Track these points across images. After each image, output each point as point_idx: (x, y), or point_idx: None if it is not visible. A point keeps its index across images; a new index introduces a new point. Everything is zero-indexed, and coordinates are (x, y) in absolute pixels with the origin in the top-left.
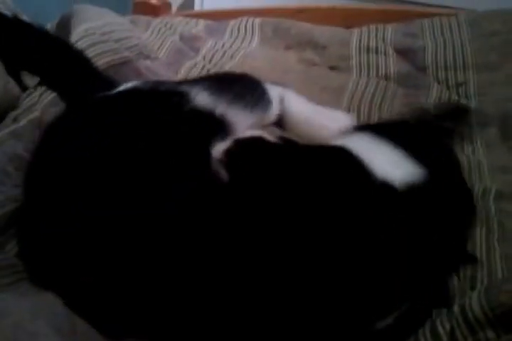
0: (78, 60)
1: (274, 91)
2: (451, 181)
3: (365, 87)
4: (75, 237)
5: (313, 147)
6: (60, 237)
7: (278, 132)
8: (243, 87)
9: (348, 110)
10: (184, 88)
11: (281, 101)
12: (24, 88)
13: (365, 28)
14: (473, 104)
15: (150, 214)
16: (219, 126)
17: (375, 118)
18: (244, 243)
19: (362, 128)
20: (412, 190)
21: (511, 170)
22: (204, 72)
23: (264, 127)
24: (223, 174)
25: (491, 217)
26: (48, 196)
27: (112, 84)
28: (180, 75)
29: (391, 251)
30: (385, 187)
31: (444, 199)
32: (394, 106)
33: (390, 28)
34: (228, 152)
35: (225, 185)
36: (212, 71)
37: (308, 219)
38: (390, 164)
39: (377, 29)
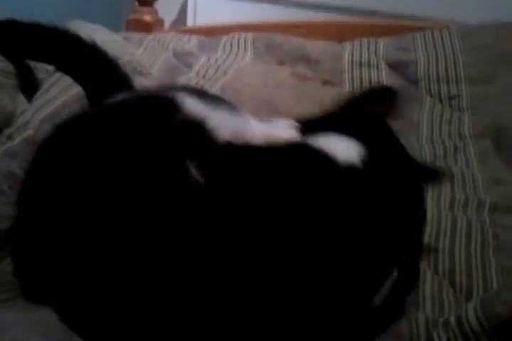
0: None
1: None
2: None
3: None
4: (71, 249)
5: (281, 146)
6: (56, 250)
7: None
8: (221, 99)
9: None
10: (172, 94)
11: None
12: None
13: (357, 42)
14: (466, 116)
15: (138, 226)
16: (205, 133)
17: None
18: (228, 240)
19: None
20: (368, 169)
21: (505, 182)
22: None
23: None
24: (200, 179)
25: (486, 229)
26: (44, 207)
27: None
28: None
29: (374, 225)
30: (351, 170)
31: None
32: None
33: (382, 42)
34: (205, 159)
35: (202, 188)
36: (206, 86)
37: (291, 208)
38: (345, 149)
39: (369, 43)
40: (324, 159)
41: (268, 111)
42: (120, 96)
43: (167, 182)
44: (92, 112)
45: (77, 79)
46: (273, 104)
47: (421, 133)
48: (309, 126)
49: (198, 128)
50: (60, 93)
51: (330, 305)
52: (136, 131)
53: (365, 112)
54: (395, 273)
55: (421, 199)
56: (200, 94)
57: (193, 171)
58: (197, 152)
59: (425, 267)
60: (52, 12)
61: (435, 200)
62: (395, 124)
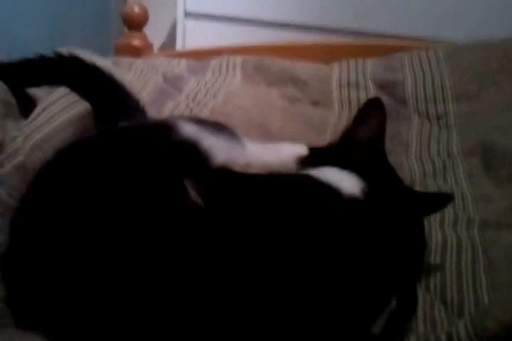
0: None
1: None
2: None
3: (347, 122)
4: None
5: (282, 175)
6: (48, 278)
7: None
8: (220, 125)
9: None
10: (170, 120)
11: None
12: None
13: (345, 63)
14: (454, 134)
15: (138, 248)
16: (201, 157)
17: None
18: (223, 265)
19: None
20: (370, 200)
21: (495, 199)
22: (187, 111)
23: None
24: (200, 202)
25: (476, 246)
26: (37, 235)
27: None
28: (164, 115)
29: (375, 255)
30: (352, 201)
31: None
32: None
33: (369, 63)
34: (204, 182)
35: (201, 211)
36: (196, 110)
37: (292, 238)
38: (346, 181)
39: (357, 64)
40: (326, 190)
41: (259, 133)
42: (120, 124)
43: (166, 204)
44: (90, 139)
45: (90, 101)
46: (264, 126)
47: (410, 151)
48: (313, 156)
49: (192, 150)
50: (50, 119)
51: (329, 333)
52: (133, 155)
53: (360, 139)
54: (394, 302)
55: (421, 229)
56: (198, 120)
57: (192, 193)
58: (193, 174)
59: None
60: (41, 37)
61: (425, 218)
62: (387, 143)
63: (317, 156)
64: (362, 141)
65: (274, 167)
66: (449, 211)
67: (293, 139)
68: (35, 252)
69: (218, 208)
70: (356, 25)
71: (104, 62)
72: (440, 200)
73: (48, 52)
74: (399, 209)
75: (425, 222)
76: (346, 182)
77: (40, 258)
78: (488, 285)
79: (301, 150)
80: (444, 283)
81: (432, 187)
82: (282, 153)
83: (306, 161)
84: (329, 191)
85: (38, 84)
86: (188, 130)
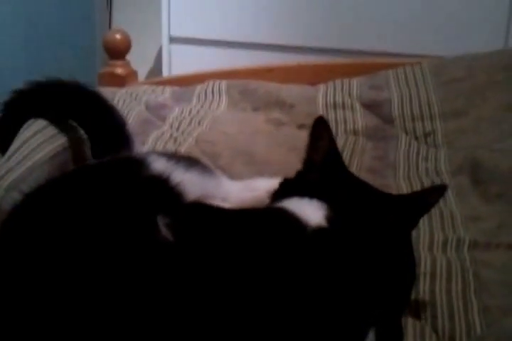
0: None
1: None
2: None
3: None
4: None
5: (250, 209)
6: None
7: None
8: (193, 160)
9: None
10: (142, 155)
11: None
12: None
13: (330, 84)
14: (442, 152)
15: (109, 284)
16: (172, 193)
17: None
18: (189, 299)
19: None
20: (338, 229)
21: (484, 217)
22: (171, 141)
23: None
24: (170, 237)
25: (466, 268)
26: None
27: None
28: (148, 145)
29: (343, 286)
30: (319, 232)
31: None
32: (364, 160)
33: (355, 82)
34: (175, 217)
35: (170, 246)
36: (180, 139)
37: (258, 272)
38: (313, 211)
39: (342, 84)
40: (290, 223)
41: (244, 160)
42: (94, 161)
43: (136, 240)
44: (61, 178)
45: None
46: (249, 152)
47: (398, 171)
48: (283, 187)
49: (162, 186)
50: (25, 158)
51: None
52: (104, 191)
53: (316, 163)
54: (371, 335)
55: (408, 250)
56: (171, 155)
57: (162, 229)
58: (164, 209)
59: (407, 312)
60: (22, 67)
61: (414, 241)
62: (374, 164)
63: (286, 187)
64: (318, 164)
65: (248, 202)
66: (438, 232)
67: (278, 164)
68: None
69: (187, 243)
70: (341, 44)
71: None
72: (432, 194)
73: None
74: (371, 228)
75: (414, 246)
76: (310, 211)
77: (8, 303)
78: (480, 309)
79: (275, 183)
80: (435, 310)
81: None
82: (256, 188)
83: (277, 194)
84: (293, 224)
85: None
86: (159, 165)
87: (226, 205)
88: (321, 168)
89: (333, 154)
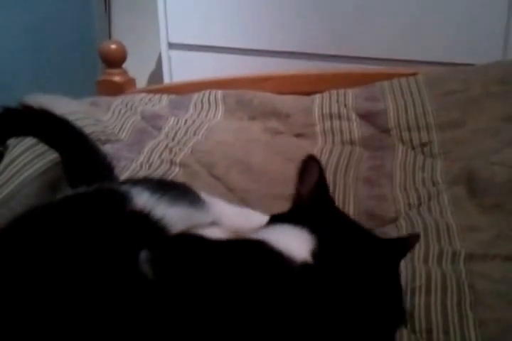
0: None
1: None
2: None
3: (330, 154)
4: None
5: (235, 241)
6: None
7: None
8: (181, 189)
9: None
10: (126, 188)
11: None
12: None
13: (326, 94)
14: (439, 162)
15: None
16: (154, 228)
17: (341, 184)
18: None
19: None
20: (323, 264)
21: (480, 228)
22: (167, 151)
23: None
24: (150, 273)
25: (462, 281)
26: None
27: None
28: (143, 155)
29: (329, 324)
30: (303, 267)
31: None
32: (360, 170)
33: (350, 93)
34: (155, 253)
35: (151, 282)
36: (176, 149)
37: (232, 307)
38: (299, 245)
39: (338, 95)
40: (276, 258)
41: (240, 169)
42: (79, 189)
43: (116, 275)
44: (45, 207)
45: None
46: (245, 161)
47: (394, 182)
48: (277, 220)
49: (145, 221)
50: (15, 175)
51: None
52: (85, 226)
53: (303, 196)
54: None
55: (389, 281)
56: (157, 185)
57: (143, 265)
58: (145, 244)
59: (402, 327)
60: (22, 76)
61: (409, 255)
62: (370, 174)
63: (276, 221)
64: (304, 198)
65: (240, 228)
66: (433, 244)
67: (274, 173)
68: None
69: (167, 280)
70: (339, 50)
71: (76, 108)
72: (406, 243)
73: (26, 96)
74: (356, 265)
75: (409, 259)
76: (296, 246)
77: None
78: (475, 323)
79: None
80: (430, 324)
81: (415, 220)
82: (251, 220)
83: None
84: (278, 259)
85: (7, 137)
86: (142, 200)
87: (215, 231)
88: (308, 203)
89: (321, 189)
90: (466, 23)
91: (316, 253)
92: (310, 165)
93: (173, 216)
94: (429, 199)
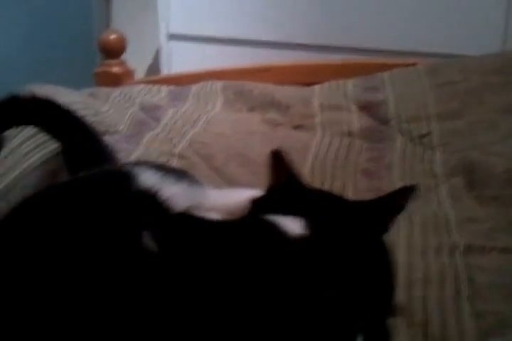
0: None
1: None
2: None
3: (329, 145)
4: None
5: (233, 220)
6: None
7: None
8: (181, 172)
9: (313, 170)
10: (129, 168)
11: None
12: None
13: (326, 85)
14: (437, 154)
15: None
16: (159, 206)
17: (339, 176)
18: (179, 310)
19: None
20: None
21: (478, 220)
22: (166, 142)
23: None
24: (153, 247)
25: (459, 273)
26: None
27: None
28: (142, 147)
29: (328, 293)
30: (300, 240)
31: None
32: (359, 162)
33: (350, 83)
34: (159, 227)
35: (154, 255)
36: (174, 140)
37: (242, 280)
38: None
39: (338, 85)
40: (273, 231)
41: (239, 161)
42: (82, 173)
43: (121, 250)
44: (51, 190)
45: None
46: (244, 154)
47: (393, 174)
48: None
49: (152, 200)
50: (15, 166)
51: None
52: (92, 205)
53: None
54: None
55: (381, 251)
56: (160, 167)
57: (147, 240)
58: (151, 222)
59: (399, 320)
60: (20, 66)
61: (407, 247)
62: (369, 166)
63: (258, 205)
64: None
65: (233, 210)
66: (431, 237)
67: None
68: None
69: (171, 253)
70: (338, 41)
71: (76, 98)
72: (401, 196)
73: (26, 86)
74: (346, 235)
75: (407, 252)
76: (289, 222)
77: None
78: (472, 315)
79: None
80: (427, 316)
81: (413, 213)
82: (240, 197)
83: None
84: (276, 233)
85: (9, 125)
86: (149, 179)
87: (212, 215)
88: (284, 187)
89: (293, 177)
90: (465, 14)
91: (308, 226)
92: (277, 160)
93: (176, 193)
94: (428, 191)
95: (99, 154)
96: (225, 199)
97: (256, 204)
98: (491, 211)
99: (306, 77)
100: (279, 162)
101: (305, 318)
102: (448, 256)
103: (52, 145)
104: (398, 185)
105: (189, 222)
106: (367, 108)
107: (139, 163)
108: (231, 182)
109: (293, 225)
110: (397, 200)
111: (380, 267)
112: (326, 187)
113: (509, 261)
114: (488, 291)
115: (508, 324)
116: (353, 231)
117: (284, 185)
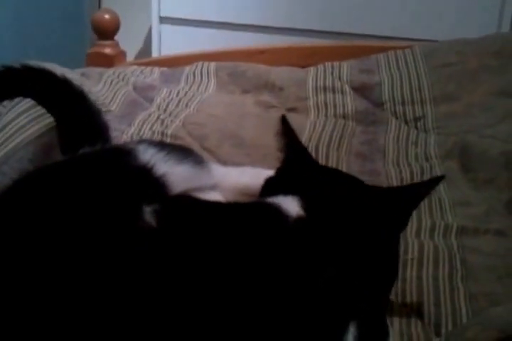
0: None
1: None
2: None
3: (323, 128)
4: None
5: (232, 203)
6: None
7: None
8: (185, 149)
9: None
10: (131, 146)
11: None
12: None
13: (321, 67)
14: (432, 137)
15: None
16: (158, 184)
17: (333, 159)
18: (178, 286)
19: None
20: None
21: (473, 203)
22: (159, 123)
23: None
24: (154, 223)
25: (453, 254)
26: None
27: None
28: (134, 127)
29: (319, 279)
30: (298, 222)
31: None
32: (353, 145)
33: (345, 65)
34: (160, 205)
35: (154, 231)
36: (167, 121)
37: (240, 260)
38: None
39: (332, 67)
40: (273, 213)
41: (232, 142)
42: (82, 151)
43: (120, 225)
44: (49, 167)
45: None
46: (238, 135)
47: (387, 156)
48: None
49: (147, 176)
50: (9, 139)
51: None
52: (92, 180)
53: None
54: (353, 329)
55: (392, 245)
56: (163, 145)
57: (147, 216)
58: (147, 198)
59: (393, 299)
60: (9, 47)
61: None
62: (363, 149)
63: (269, 184)
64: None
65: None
66: (425, 218)
67: (266, 147)
68: None
69: (171, 229)
70: (334, 27)
71: (72, 75)
72: (419, 190)
73: (17, 63)
74: (352, 220)
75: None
76: (289, 203)
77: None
78: (466, 296)
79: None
80: (421, 296)
81: None
82: (258, 177)
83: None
84: (274, 215)
85: (5, 97)
86: (147, 155)
87: (216, 194)
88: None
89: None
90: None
91: (308, 208)
92: (286, 127)
93: (177, 174)
94: (422, 174)
95: (92, 132)
96: (235, 179)
97: (268, 183)
98: (484, 194)
99: (302, 59)
100: (288, 131)
101: (299, 300)
102: (442, 237)
103: (48, 120)
104: (392, 168)
105: (188, 202)
106: (361, 90)
107: (142, 141)
108: (224, 164)
109: (295, 207)
110: (419, 190)
111: (386, 259)
112: None
113: (502, 244)
114: (481, 273)
115: (499, 305)
116: (358, 218)
117: (298, 162)
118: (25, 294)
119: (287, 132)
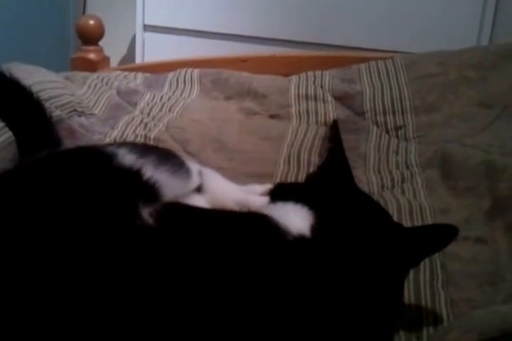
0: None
1: (191, 164)
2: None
3: (305, 135)
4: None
5: (231, 212)
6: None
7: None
8: (165, 154)
9: (288, 158)
10: (112, 149)
11: (200, 174)
12: None
13: (303, 75)
14: (413, 146)
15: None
16: (147, 187)
17: (315, 165)
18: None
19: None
20: (320, 239)
21: (453, 211)
22: (142, 126)
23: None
24: (151, 222)
25: (434, 260)
26: None
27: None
28: (118, 130)
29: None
30: (298, 241)
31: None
32: None
33: (327, 74)
34: (157, 212)
35: (152, 229)
36: (151, 125)
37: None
38: (297, 218)
39: (315, 76)
40: (271, 230)
41: (215, 147)
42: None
43: (118, 224)
44: (28, 164)
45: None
46: (220, 140)
47: (368, 164)
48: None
49: (135, 176)
50: None
51: None
52: (76, 182)
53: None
54: None
55: (395, 275)
56: (143, 150)
57: (145, 215)
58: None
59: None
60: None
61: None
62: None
63: (281, 191)
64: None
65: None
66: (407, 225)
67: (249, 152)
68: None
69: (169, 229)
70: (316, 38)
71: (54, 78)
72: (441, 233)
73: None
74: (358, 246)
75: None
76: (294, 219)
77: None
78: (447, 302)
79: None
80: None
81: (389, 200)
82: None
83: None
84: (272, 231)
85: None
86: (129, 159)
87: (199, 197)
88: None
89: (340, 160)
90: (441, 12)
91: (315, 229)
92: (335, 132)
93: (160, 176)
94: (403, 181)
95: (47, 142)
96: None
97: (278, 190)
98: (465, 202)
99: (284, 68)
100: (336, 137)
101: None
102: None
103: (7, 134)
104: (373, 175)
105: (186, 208)
106: (343, 99)
107: (122, 144)
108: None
109: (296, 224)
110: (435, 237)
111: (384, 297)
112: (302, 175)
113: (483, 251)
114: (461, 279)
115: None
116: (367, 248)
117: (333, 173)
118: (23, 297)
119: (334, 138)
